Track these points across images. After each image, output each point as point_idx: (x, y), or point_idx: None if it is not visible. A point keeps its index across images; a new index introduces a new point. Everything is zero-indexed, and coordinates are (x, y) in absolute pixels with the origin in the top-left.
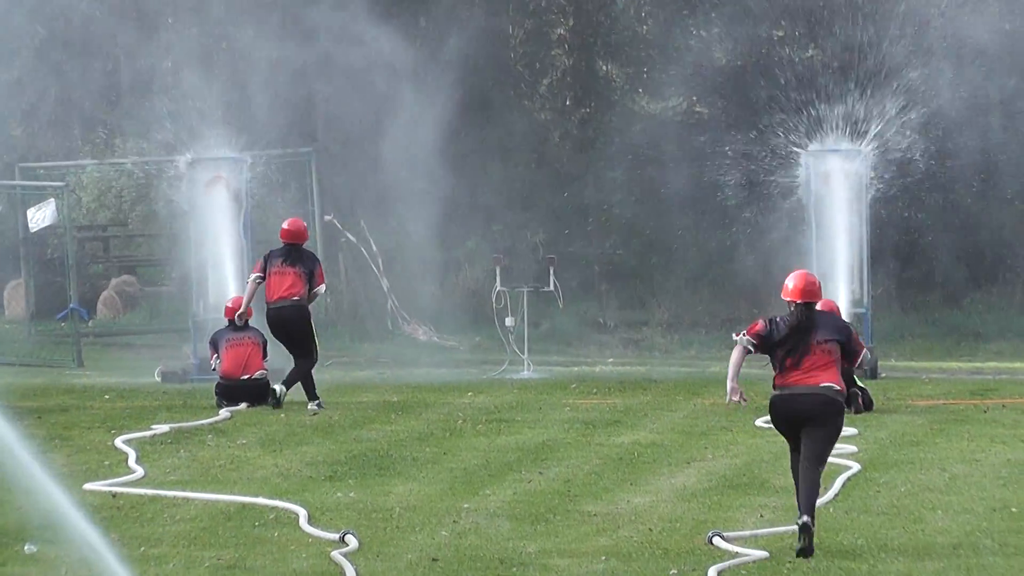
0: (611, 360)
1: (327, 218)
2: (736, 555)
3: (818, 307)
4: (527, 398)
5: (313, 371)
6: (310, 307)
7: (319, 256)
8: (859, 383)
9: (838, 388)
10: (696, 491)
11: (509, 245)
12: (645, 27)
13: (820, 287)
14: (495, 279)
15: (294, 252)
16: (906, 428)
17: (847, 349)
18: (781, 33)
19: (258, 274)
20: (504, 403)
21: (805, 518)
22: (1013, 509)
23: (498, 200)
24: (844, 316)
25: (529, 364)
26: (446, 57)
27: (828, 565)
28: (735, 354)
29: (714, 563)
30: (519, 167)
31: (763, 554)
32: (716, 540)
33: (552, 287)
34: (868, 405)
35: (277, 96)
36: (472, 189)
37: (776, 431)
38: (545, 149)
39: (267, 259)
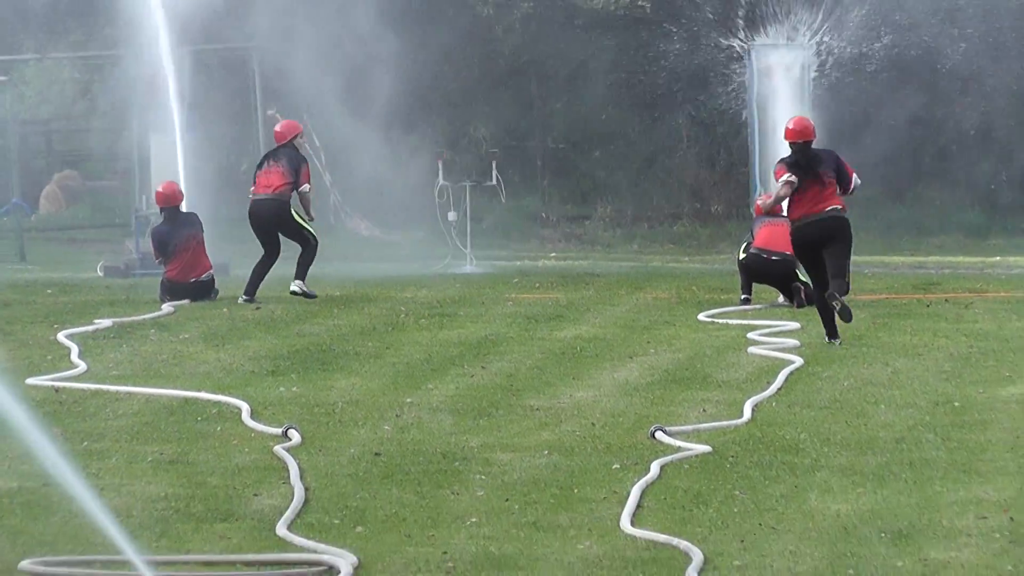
0: (553, 255)
1: (269, 113)
2: (679, 449)
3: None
4: (469, 293)
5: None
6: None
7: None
8: (801, 277)
9: (841, 207)
10: (638, 386)
11: (452, 140)
12: None
13: (813, 127)
14: (438, 174)
15: (280, 151)
16: (848, 323)
17: (841, 177)
18: None
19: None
20: (447, 297)
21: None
22: (956, 403)
23: (441, 95)
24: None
25: (472, 258)
26: None
27: (771, 459)
28: (783, 190)
29: (656, 458)
30: (462, 61)
31: (706, 448)
32: (659, 434)
33: (495, 181)
34: (810, 299)
35: None
36: (415, 84)
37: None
38: (488, 44)
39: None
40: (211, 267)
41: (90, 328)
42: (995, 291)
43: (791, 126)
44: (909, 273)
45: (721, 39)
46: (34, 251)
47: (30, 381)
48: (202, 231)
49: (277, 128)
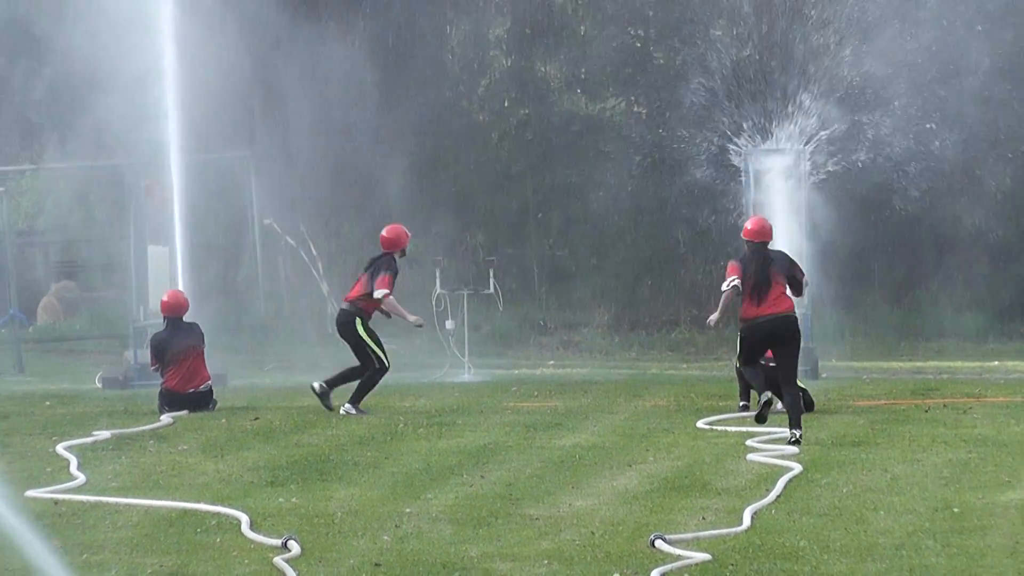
0: (551, 362)
1: (267, 222)
2: (678, 558)
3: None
4: (468, 401)
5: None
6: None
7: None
8: (800, 384)
9: (791, 309)
10: (638, 494)
11: (449, 247)
12: (583, 27)
13: (772, 228)
14: (435, 281)
15: (378, 259)
16: (847, 429)
17: (792, 279)
18: (720, 32)
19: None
20: (445, 406)
21: (796, 432)
22: (955, 509)
23: (437, 202)
24: None
25: (469, 367)
26: (383, 59)
27: (770, 567)
28: (725, 295)
29: (656, 566)
30: (458, 169)
31: (705, 556)
32: (658, 543)
33: (492, 289)
34: (809, 406)
35: (216, 100)
36: (411, 191)
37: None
38: (484, 151)
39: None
40: (209, 378)
41: (89, 440)
42: (994, 396)
43: (750, 226)
44: (907, 378)
45: (717, 145)
46: (32, 362)
47: (29, 493)
48: (203, 342)
49: (383, 233)
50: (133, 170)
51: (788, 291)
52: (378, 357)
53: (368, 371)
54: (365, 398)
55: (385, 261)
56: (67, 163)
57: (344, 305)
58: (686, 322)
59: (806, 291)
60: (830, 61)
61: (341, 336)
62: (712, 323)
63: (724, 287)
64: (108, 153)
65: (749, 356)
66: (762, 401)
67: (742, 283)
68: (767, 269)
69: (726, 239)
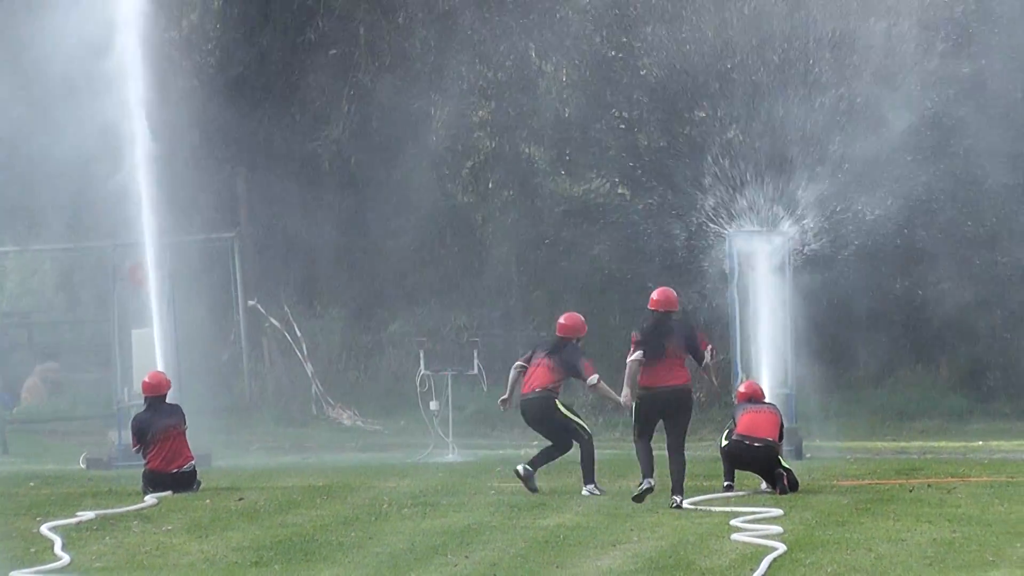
0: (535, 442)
1: (251, 303)
2: None
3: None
4: (452, 481)
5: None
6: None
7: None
8: (784, 464)
9: (686, 381)
10: (622, 573)
11: (433, 328)
12: (567, 109)
13: (676, 299)
14: (419, 362)
15: (559, 344)
16: (832, 508)
17: (693, 350)
18: (703, 114)
19: (520, 363)
20: (429, 487)
21: (677, 498)
22: None
23: (421, 283)
24: (768, 397)
25: (454, 447)
26: (369, 141)
27: None
28: (631, 368)
29: None
30: (442, 250)
31: None
32: None
33: (476, 370)
34: (793, 486)
35: (200, 182)
36: (395, 272)
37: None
38: (468, 232)
39: (534, 350)
40: (192, 458)
41: (73, 520)
42: (977, 475)
43: (655, 296)
44: (891, 458)
45: (702, 226)
46: (17, 443)
47: (13, 574)
48: (184, 422)
49: (562, 320)
50: (116, 252)
51: (691, 361)
52: (584, 429)
53: (583, 446)
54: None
55: (574, 347)
56: (51, 245)
57: (532, 394)
58: None
59: (714, 363)
60: (816, 145)
61: (539, 423)
62: (625, 401)
63: (628, 360)
64: (92, 235)
65: (643, 427)
66: (643, 488)
67: (645, 346)
68: (663, 340)
69: (711, 321)
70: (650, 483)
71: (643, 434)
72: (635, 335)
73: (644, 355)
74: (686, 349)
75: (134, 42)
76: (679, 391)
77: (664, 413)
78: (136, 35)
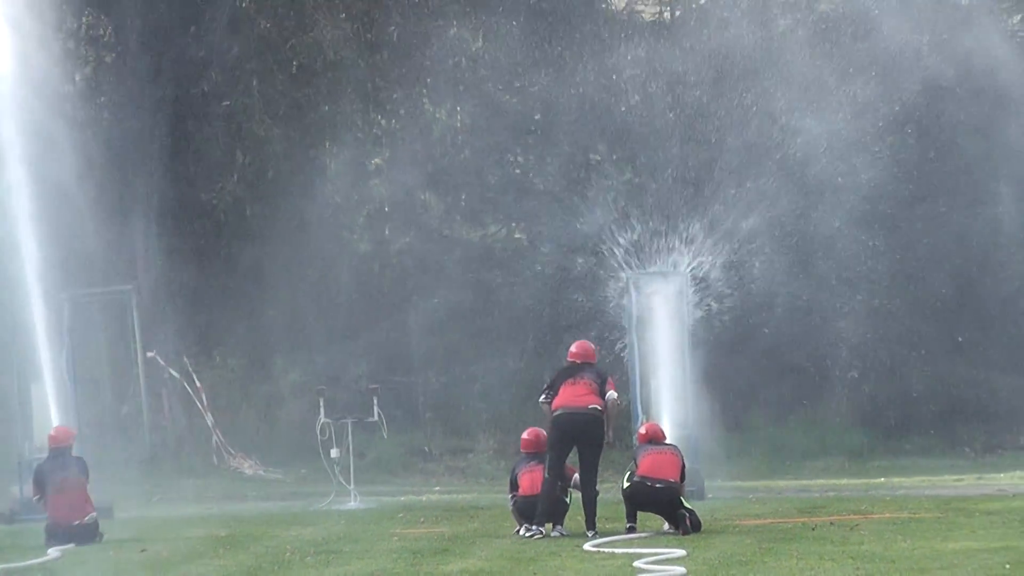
0: (437, 488)
1: (149, 355)
2: None
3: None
4: (355, 529)
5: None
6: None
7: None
8: (686, 504)
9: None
10: None
11: (333, 376)
12: (462, 155)
13: (593, 351)
14: (319, 410)
15: (587, 367)
16: (735, 548)
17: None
18: (599, 157)
19: (545, 397)
20: (332, 534)
21: (591, 533)
22: None
23: (320, 332)
24: (669, 438)
25: (356, 495)
26: (265, 189)
27: None
28: (544, 409)
29: None
30: (340, 298)
31: None
32: None
33: (376, 417)
34: (696, 526)
35: (96, 235)
36: (294, 321)
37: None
38: (366, 279)
39: (553, 380)
40: (94, 510)
41: None
42: (880, 512)
43: (573, 348)
44: (794, 496)
45: (601, 268)
46: None
47: None
48: (86, 475)
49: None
50: (11, 307)
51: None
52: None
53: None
54: None
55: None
56: None
57: (587, 409)
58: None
59: (615, 405)
60: (713, 191)
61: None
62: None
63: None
64: None
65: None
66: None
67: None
68: (574, 375)
69: (613, 364)
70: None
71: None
72: (546, 382)
73: (550, 395)
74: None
75: (10, 96)
76: (590, 414)
77: (576, 437)
78: (10, 92)
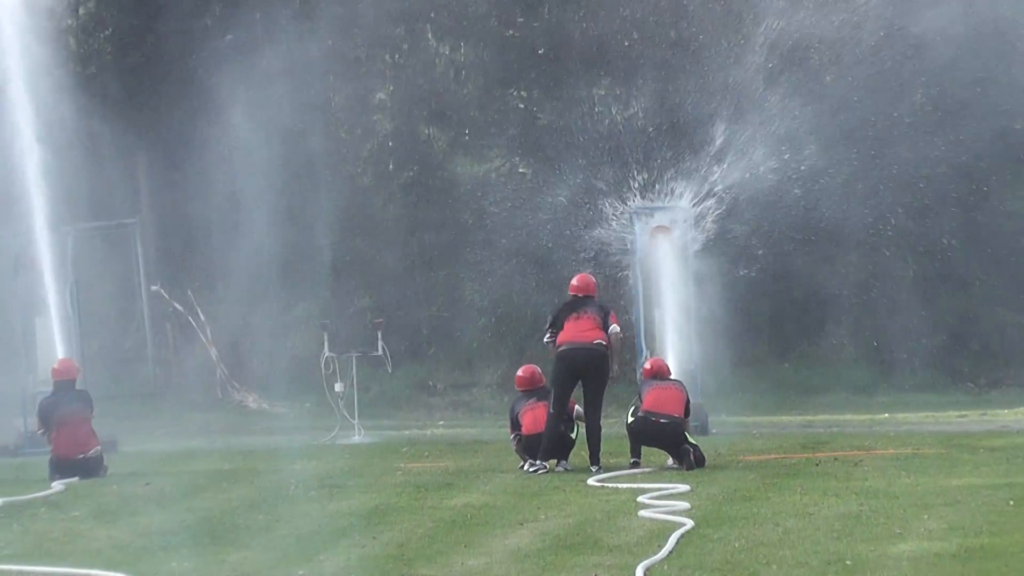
0: (441, 423)
1: (154, 289)
2: None
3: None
4: (359, 463)
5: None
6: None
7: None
8: (690, 439)
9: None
10: (530, 552)
11: (336, 310)
12: (466, 90)
13: (594, 283)
14: (323, 345)
15: (589, 301)
16: (739, 483)
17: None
18: (603, 92)
19: (550, 334)
20: (336, 468)
21: (595, 468)
22: (848, 562)
23: (324, 265)
24: (674, 374)
25: (360, 429)
26: (268, 124)
27: None
28: (548, 348)
29: None
30: (344, 232)
31: None
32: None
33: (380, 351)
34: (700, 461)
35: (100, 168)
36: (298, 255)
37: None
38: (370, 213)
39: (556, 315)
40: (98, 444)
41: None
42: (884, 448)
43: (574, 281)
44: (798, 432)
45: (604, 203)
46: None
47: None
48: (91, 409)
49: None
50: (15, 240)
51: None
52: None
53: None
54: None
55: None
56: None
57: (592, 344)
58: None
59: (618, 339)
60: (719, 124)
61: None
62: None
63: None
64: None
65: (560, 389)
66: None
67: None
68: (577, 310)
69: (614, 298)
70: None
71: (560, 399)
72: (549, 318)
73: (554, 331)
74: (599, 316)
75: (17, 32)
76: (595, 349)
77: (581, 372)
78: (17, 24)
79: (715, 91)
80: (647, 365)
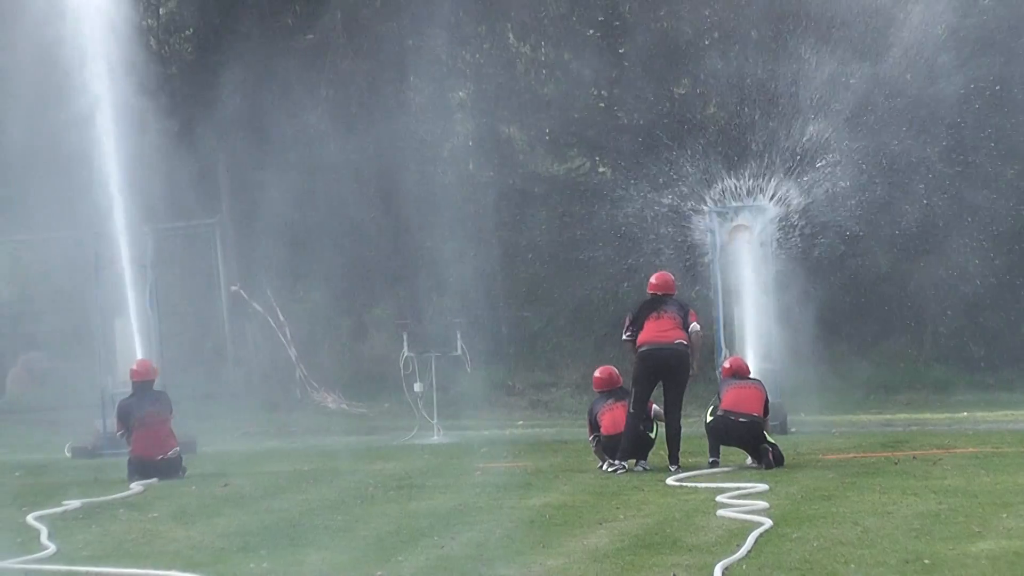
0: (520, 423)
1: (233, 289)
2: None
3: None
4: (437, 463)
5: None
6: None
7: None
8: (769, 439)
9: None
10: (608, 552)
11: (416, 310)
12: (547, 89)
13: (673, 282)
14: (403, 345)
15: (668, 300)
16: (817, 482)
17: (684, 320)
18: (683, 91)
19: (629, 334)
20: (415, 468)
21: (674, 467)
22: (926, 561)
23: (404, 265)
24: (753, 372)
25: (439, 429)
26: (349, 124)
27: None
28: (627, 348)
29: None
30: (424, 231)
31: None
32: None
33: (460, 351)
34: (779, 460)
35: (180, 168)
36: (377, 255)
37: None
38: (450, 213)
39: (636, 314)
40: (177, 445)
41: (59, 509)
42: (963, 447)
43: (653, 279)
44: (877, 431)
45: (685, 201)
46: (2, 433)
47: (0, 564)
48: (170, 411)
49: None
50: (97, 241)
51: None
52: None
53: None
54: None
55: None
56: (34, 234)
57: (674, 344)
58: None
59: (699, 336)
60: (800, 123)
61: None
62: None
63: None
64: (73, 225)
65: (641, 389)
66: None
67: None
68: (657, 309)
69: (694, 298)
70: (674, 468)
71: (640, 399)
72: (628, 317)
73: (634, 331)
74: (679, 315)
75: (100, 34)
76: (676, 349)
77: (662, 372)
78: (101, 26)
79: (798, 91)
80: (726, 364)
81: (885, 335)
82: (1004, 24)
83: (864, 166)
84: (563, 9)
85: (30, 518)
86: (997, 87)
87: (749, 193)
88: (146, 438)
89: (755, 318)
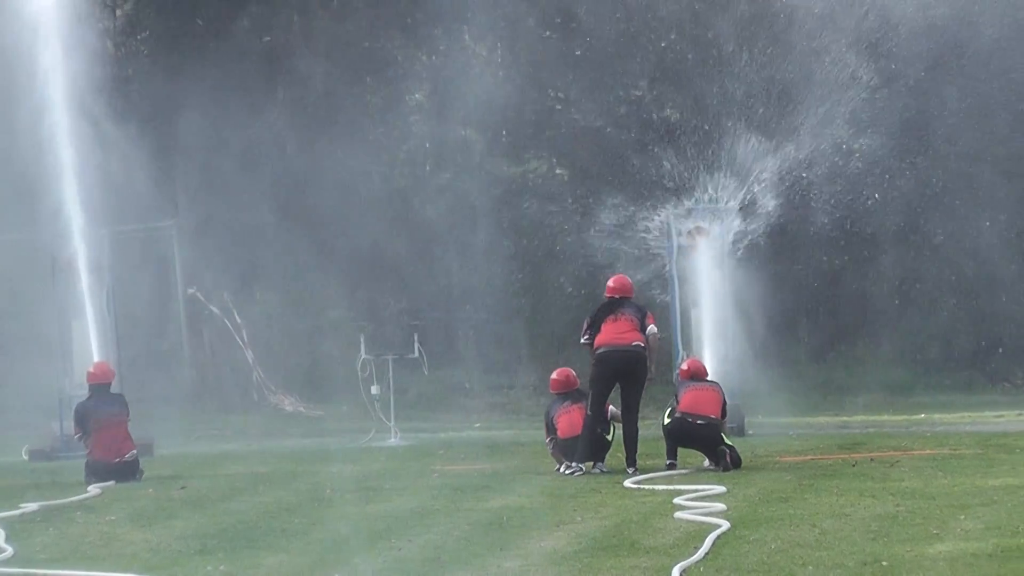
0: (478, 425)
1: (190, 291)
2: None
3: None
4: (395, 465)
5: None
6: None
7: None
8: (727, 441)
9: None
10: (566, 554)
11: (373, 313)
12: (503, 91)
13: (631, 285)
14: (359, 347)
15: (626, 302)
16: (775, 484)
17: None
18: (640, 93)
19: (587, 336)
20: (372, 471)
21: (631, 470)
22: (884, 563)
23: (360, 268)
24: (710, 374)
25: (396, 431)
26: (303, 125)
27: None
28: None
29: None
30: (380, 234)
31: None
32: None
33: (417, 354)
34: (736, 462)
35: (137, 170)
36: (334, 258)
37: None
38: (406, 215)
39: (594, 317)
40: (135, 447)
41: (16, 512)
42: (920, 449)
43: (611, 283)
44: (834, 433)
45: (640, 203)
46: None
47: None
48: (127, 413)
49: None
50: (54, 243)
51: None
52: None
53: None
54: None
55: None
56: None
57: (631, 347)
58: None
59: (654, 339)
60: (754, 125)
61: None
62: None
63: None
64: (31, 226)
65: (599, 391)
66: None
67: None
68: (614, 311)
69: (651, 300)
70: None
71: (597, 401)
72: (586, 320)
73: (592, 333)
74: (637, 318)
75: (56, 35)
76: (634, 351)
77: (619, 374)
78: (57, 28)
79: (753, 92)
80: (684, 366)
81: (842, 337)
82: None
83: (824, 166)
84: (520, 11)
85: None
86: (955, 93)
87: (708, 196)
88: (103, 441)
89: (713, 320)
